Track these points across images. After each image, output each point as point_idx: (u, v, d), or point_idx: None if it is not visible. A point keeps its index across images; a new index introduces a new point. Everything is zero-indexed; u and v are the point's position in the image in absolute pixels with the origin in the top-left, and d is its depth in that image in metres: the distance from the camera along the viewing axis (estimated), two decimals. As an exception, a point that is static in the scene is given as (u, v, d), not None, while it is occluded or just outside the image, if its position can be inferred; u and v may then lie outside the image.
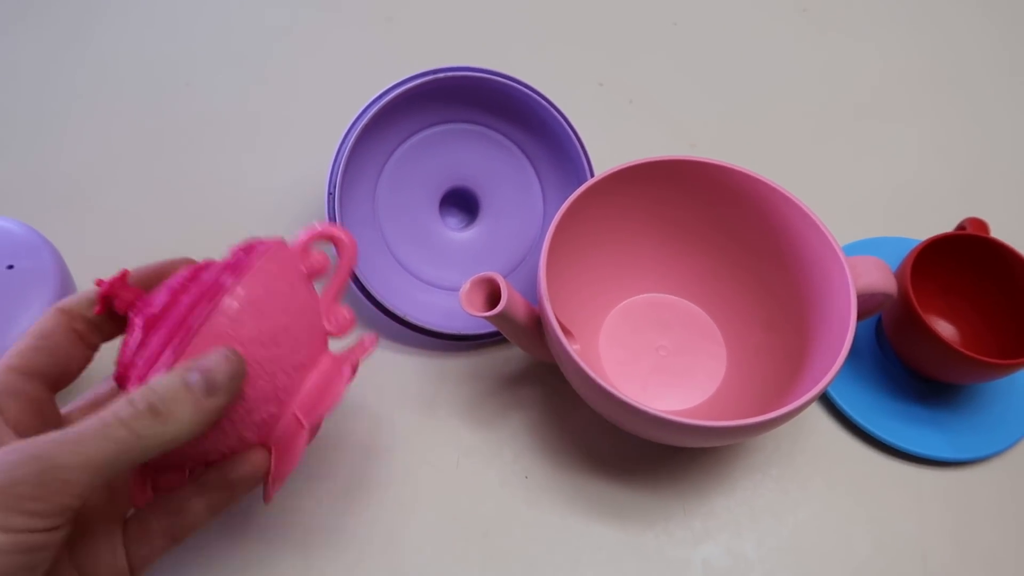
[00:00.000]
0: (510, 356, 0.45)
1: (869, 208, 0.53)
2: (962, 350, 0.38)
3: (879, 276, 0.38)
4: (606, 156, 0.45)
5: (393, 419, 0.43)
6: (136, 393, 0.26)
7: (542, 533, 0.39)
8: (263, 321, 0.29)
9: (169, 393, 0.26)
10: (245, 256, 0.30)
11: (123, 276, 0.30)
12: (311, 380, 0.31)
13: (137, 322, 0.29)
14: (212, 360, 0.27)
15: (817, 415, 0.44)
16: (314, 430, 0.32)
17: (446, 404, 0.43)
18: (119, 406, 0.25)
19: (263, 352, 0.29)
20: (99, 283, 0.30)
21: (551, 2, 0.65)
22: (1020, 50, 0.64)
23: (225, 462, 0.30)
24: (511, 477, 0.41)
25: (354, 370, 0.31)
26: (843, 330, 0.36)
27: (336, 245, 0.34)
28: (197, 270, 0.30)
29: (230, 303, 0.28)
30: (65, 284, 0.41)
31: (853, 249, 0.49)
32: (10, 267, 0.40)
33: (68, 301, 0.30)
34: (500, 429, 0.43)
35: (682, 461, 0.42)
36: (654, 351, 0.45)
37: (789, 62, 0.62)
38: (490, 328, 0.44)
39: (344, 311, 0.34)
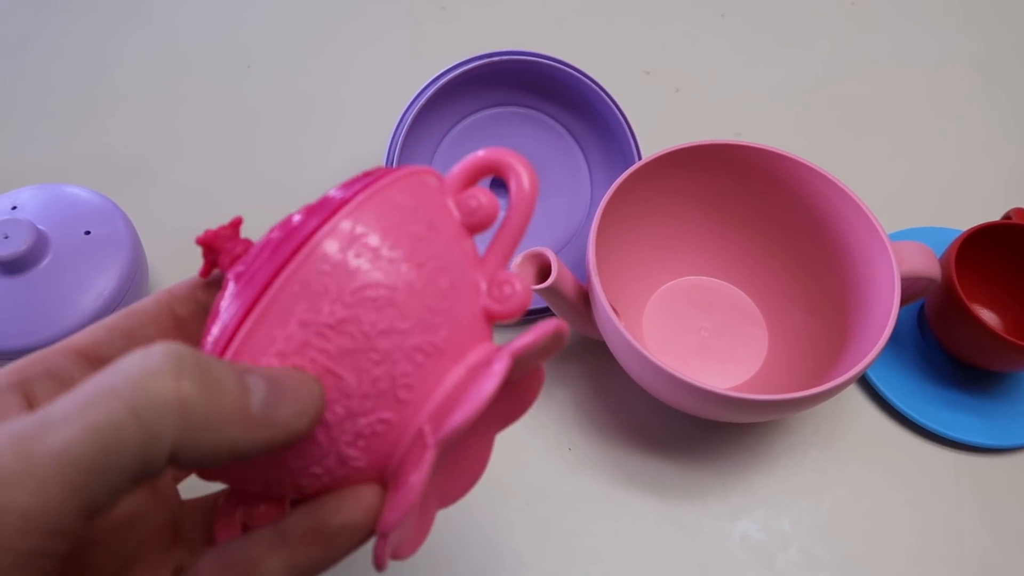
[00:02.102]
0: (555, 333, 0.47)
1: (915, 198, 0.53)
2: (1006, 336, 0.39)
3: (923, 261, 0.39)
4: (652, 143, 0.46)
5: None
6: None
7: (584, 503, 0.41)
8: (381, 272, 0.20)
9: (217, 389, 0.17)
10: (365, 185, 0.21)
11: (234, 224, 0.23)
12: (452, 378, 0.21)
13: (230, 276, 0.21)
14: (290, 379, 0.19)
15: (857, 399, 0.45)
16: (443, 452, 0.20)
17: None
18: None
19: (376, 318, 0.19)
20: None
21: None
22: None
23: (320, 499, 0.20)
24: (555, 449, 0.42)
25: (514, 365, 0.20)
26: (886, 313, 0.37)
27: (508, 182, 0.24)
28: (310, 210, 0.21)
29: (330, 244, 0.20)
30: (136, 251, 0.43)
31: (898, 238, 0.49)
32: (87, 233, 0.42)
33: (180, 282, 0.24)
34: (545, 402, 0.44)
35: (722, 438, 0.43)
36: (696, 332, 0.46)
37: (836, 53, 0.62)
38: (537, 304, 0.45)
39: (516, 281, 0.22)
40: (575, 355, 0.46)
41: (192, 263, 0.23)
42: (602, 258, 0.40)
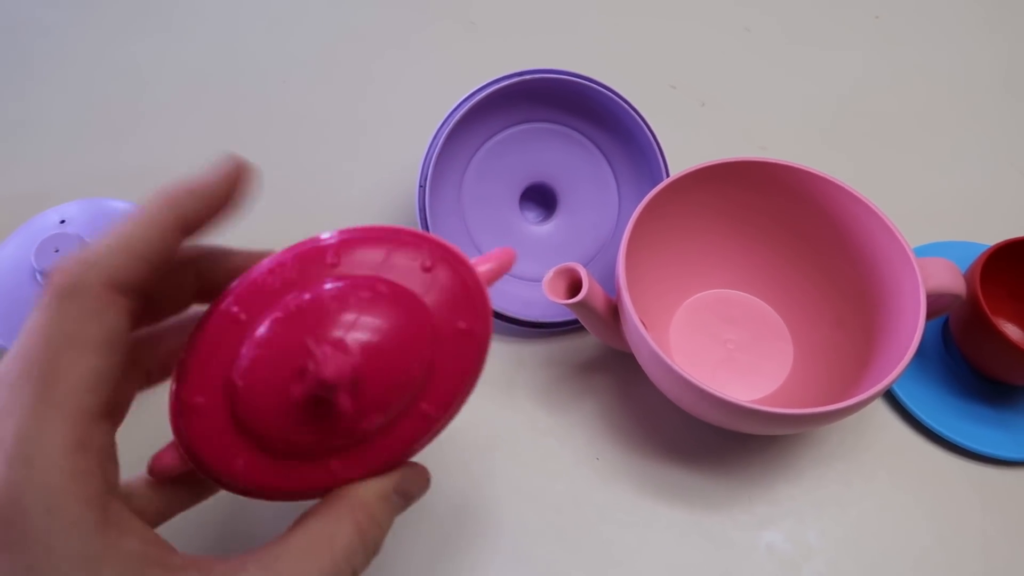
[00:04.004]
0: (584, 344, 0.48)
1: (942, 211, 0.53)
2: (1031, 351, 0.39)
3: (949, 277, 0.39)
4: (678, 157, 0.47)
5: (473, 400, 0.46)
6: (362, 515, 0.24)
7: (612, 512, 0.42)
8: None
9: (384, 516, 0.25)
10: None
11: None
12: None
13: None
14: (416, 482, 0.27)
15: (882, 412, 0.45)
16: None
17: (524, 387, 0.46)
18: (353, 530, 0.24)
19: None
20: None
21: (626, 7, 0.67)
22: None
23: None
24: (584, 458, 0.43)
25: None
26: (912, 329, 0.37)
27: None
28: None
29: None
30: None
31: (923, 252, 0.50)
32: (132, 246, 0.44)
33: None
34: (573, 413, 0.45)
35: (748, 450, 0.44)
36: (722, 345, 0.47)
37: (860, 68, 0.63)
38: (566, 316, 0.47)
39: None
40: (604, 367, 0.47)
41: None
42: (630, 272, 0.41)
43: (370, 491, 0.25)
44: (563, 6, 0.67)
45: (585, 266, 0.49)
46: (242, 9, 0.67)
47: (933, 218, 0.53)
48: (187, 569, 0.21)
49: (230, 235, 0.53)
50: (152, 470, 0.25)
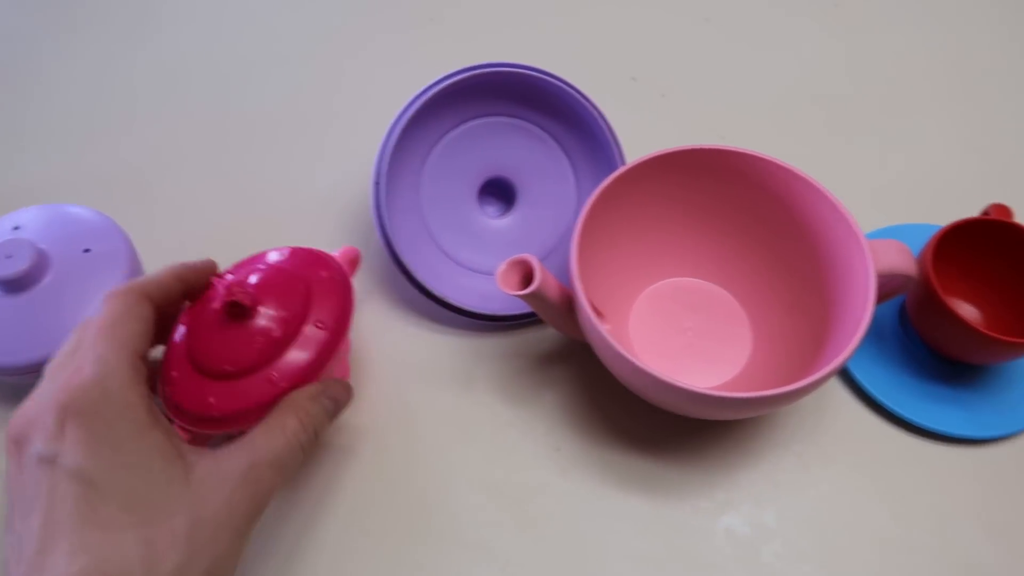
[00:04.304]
0: (543, 337, 0.48)
1: (895, 196, 0.54)
2: (981, 329, 0.40)
3: (899, 258, 0.40)
4: (639, 148, 0.46)
5: (434, 394, 0.46)
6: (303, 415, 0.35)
7: (572, 502, 0.42)
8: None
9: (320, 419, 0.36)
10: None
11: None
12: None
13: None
14: (338, 389, 0.38)
15: (840, 394, 0.46)
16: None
17: (483, 381, 0.46)
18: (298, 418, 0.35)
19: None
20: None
21: (587, 1, 0.67)
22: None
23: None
24: (543, 450, 0.43)
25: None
26: (862, 310, 0.38)
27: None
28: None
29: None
30: (135, 267, 0.45)
31: (881, 235, 0.50)
32: (87, 251, 0.43)
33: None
34: (533, 405, 0.45)
35: (707, 435, 0.44)
36: (681, 332, 0.47)
37: (817, 55, 0.63)
38: (525, 309, 0.47)
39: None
40: (563, 358, 0.47)
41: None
42: (588, 262, 0.41)
43: (303, 394, 0.36)
44: (524, 1, 0.67)
45: (545, 258, 0.50)
46: (196, 14, 0.67)
47: (891, 201, 0.53)
48: (195, 453, 0.33)
49: (185, 238, 0.53)
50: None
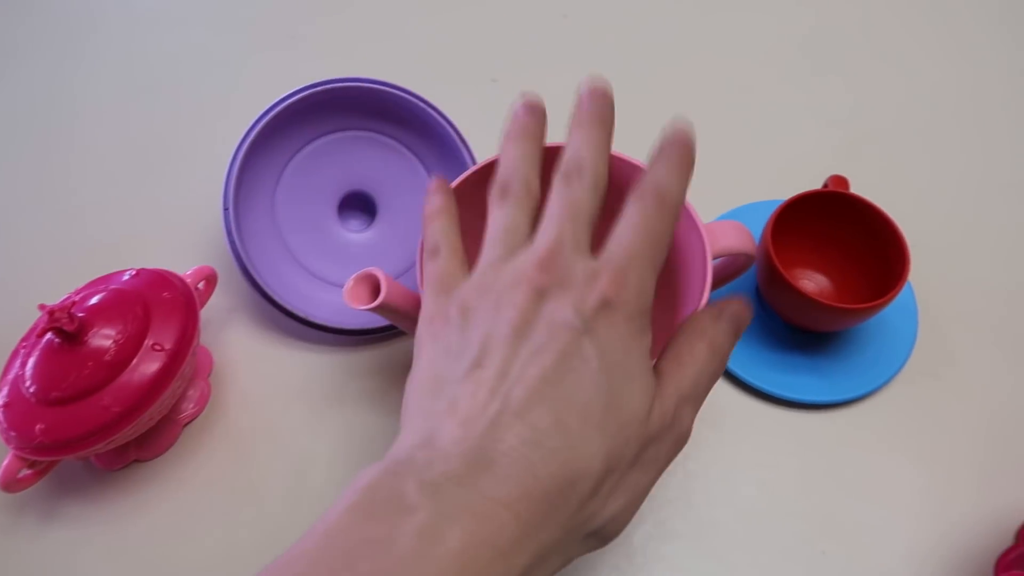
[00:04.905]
0: (412, 346, 0.48)
1: (751, 175, 0.56)
2: (817, 298, 0.41)
3: (737, 238, 0.41)
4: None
5: (303, 412, 0.46)
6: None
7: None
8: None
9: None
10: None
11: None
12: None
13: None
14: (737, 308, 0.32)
15: (705, 373, 0.47)
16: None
17: (354, 395, 0.46)
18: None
19: None
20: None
21: (444, 5, 0.67)
22: (879, 20, 0.67)
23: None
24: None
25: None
26: (701, 291, 0.39)
27: None
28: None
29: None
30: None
31: (734, 215, 0.52)
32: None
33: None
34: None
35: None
36: (549, 328, 0.47)
37: (675, 41, 0.64)
38: (380, 323, 0.47)
39: None
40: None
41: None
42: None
43: (707, 316, 0.31)
44: (382, 14, 0.67)
45: (410, 268, 0.50)
46: (55, 38, 0.65)
47: (745, 181, 0.55)
48: None
49: (41, 268, 0.51)
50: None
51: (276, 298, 0.45)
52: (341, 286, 0.49)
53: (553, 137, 0.38)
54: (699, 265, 0.40)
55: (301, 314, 0.46)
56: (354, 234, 0.50)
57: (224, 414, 0.46)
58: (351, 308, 0.47)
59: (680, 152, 0.31)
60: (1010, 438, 0.45)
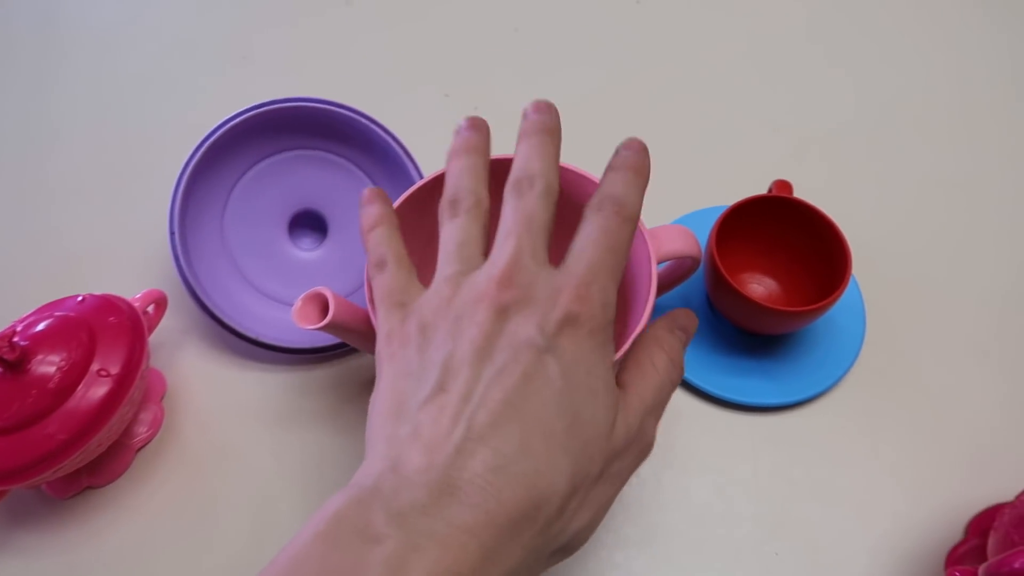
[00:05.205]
0: (369, 363, 0.48)
1: (698, 183, 0.56)
2: (760, 302, 0.42)
3: (681, 241, 0.41)
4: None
5: (258, 432, 0.46)
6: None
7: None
8: None
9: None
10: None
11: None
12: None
13: None
14: (685, 319, 0.33)
15: (658, 379, 0.47)
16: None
17: (310, 413, 0.46)
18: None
19: None
20: None
21: (394, 19, 0.67)
22: (820, 27, 0.68)
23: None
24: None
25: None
26: (647, 296, 0.39)
27: None
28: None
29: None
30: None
31: (684, 220, 0.52)
32: None
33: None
34: (359, 432, 0.45)
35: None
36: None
37: (623, 53, 0.65)
38: (330, 341, 0.47)
39: None
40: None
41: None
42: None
43: (661, 328, 0.32)
44: (335, 30, 0.67)
45: (361, 287, 0.50)
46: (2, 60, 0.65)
47: (697, 188, 0.55)
48: None
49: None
50: None
51: (225, 319, 0.45)
52: (292, 305, 0.49)
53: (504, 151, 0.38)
54: (644, 270, 0.41)
55: (251, 335, 0.46)
56: (306, 253, 0.50)
57: (178, 437, 0.46)
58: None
59: (636, 163, 0.31)
60: (958, 434, 0.45)
